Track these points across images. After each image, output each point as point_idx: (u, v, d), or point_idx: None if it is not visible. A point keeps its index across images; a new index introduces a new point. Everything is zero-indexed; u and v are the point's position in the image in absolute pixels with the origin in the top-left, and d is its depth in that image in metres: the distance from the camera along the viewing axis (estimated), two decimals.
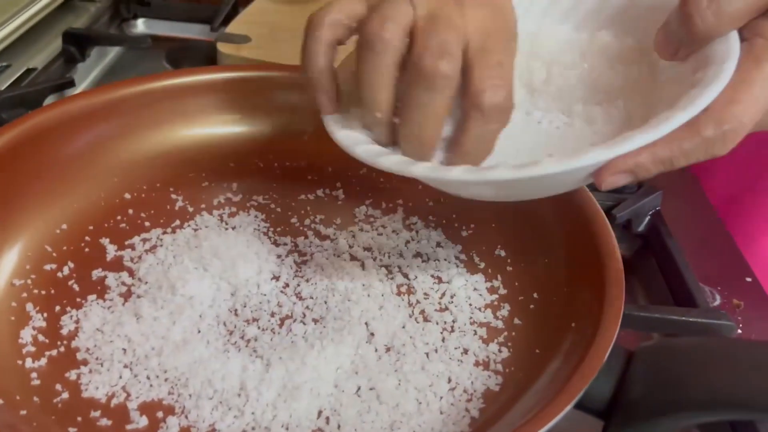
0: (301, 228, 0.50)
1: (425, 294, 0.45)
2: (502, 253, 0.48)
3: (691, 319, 0.46)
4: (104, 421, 0.36)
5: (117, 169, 0.51)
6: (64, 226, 0.47)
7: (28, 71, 0.68)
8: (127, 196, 0.50)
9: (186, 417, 0.37)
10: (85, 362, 0.39)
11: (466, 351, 0.41)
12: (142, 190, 0.51)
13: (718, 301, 0.52)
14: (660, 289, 0.54)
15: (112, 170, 0.51)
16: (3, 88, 0.63)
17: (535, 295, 0.45)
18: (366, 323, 0.42)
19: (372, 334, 0.42)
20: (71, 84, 0.64)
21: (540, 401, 0.35)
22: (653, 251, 0.57)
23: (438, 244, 0.49)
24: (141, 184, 0.51)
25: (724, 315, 0.47)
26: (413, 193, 0.52)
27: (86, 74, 0.72)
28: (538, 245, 0.46)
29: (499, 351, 0.42)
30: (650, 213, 0.58)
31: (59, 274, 0.44)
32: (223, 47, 0.66)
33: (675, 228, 0.57)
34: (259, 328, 0.42)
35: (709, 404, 0.33)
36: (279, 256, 0.47)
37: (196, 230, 0.49)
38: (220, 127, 0.54)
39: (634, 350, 0.37)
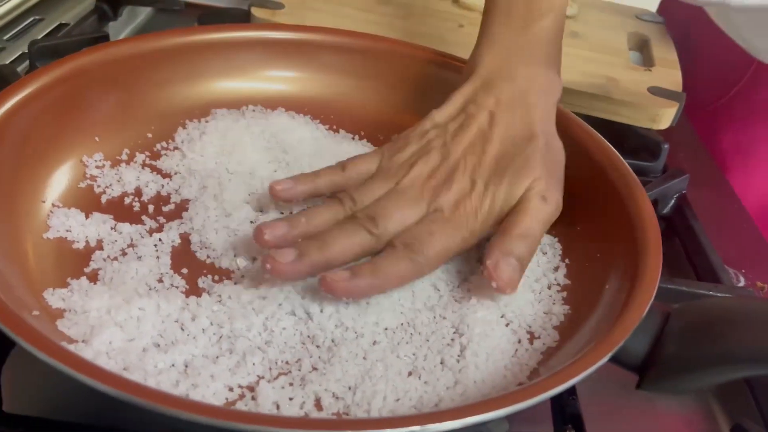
0: None
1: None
2: None
3: (718, 294, 0.47)
4: None
5: (152, 117, 0.51)
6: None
7: (61, 26, 0.68)
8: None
9: None
10: None
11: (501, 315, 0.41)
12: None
13: (742, 283, 0.52)
14: (685, 271, 0.54)
15: (148, 118, 0.51)
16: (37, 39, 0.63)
17: (567, 260, 0.45)
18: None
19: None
20: (106, 38, 0.64)
21: (576, 354, 0.35)
22: (678, 233, 0.57)
23: None
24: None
25: (750, 292, 0.47)
26: None
27: (117, 33, 0.72)
28: (574, 210, 0.46)
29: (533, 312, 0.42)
30: (676, 196, 0.59)
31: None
32: (257, 12, 0.67)
33: (699, 212, 0.58)
34: None
35: (743, 359, 0.34)
36: None
37: None
38: (261, 82, 0.55)
39: (670, 310, 0.37)
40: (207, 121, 0.52)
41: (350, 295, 0.38)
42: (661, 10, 0.88)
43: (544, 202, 0.42)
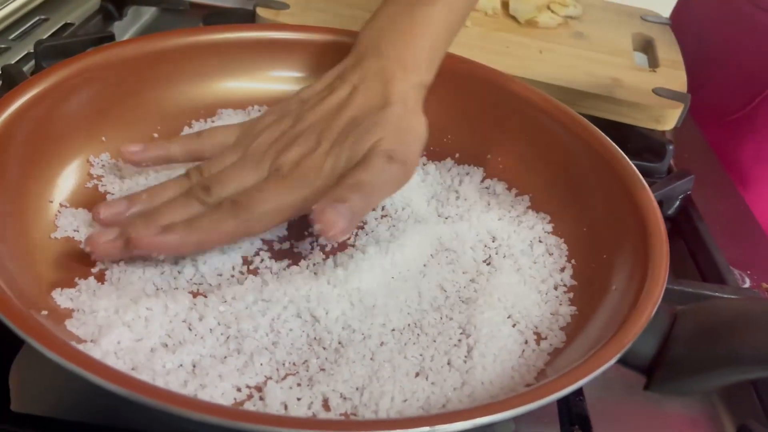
0: None
1: (472, 247, 0.45)
2: (548, 218, 0.48)
3: (724, 296, 0.47)
4: None
5: (158, 117, 0.51)
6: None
7: (66, 26, 0.69)
8: None
9: None
10: None
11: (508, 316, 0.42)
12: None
13: (747, 284, 0.52)
14: (690, 272, 0.54)
15: (154, 117, 0.51)
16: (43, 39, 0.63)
17: (573, 261, 0.45)
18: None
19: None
20: (111, 38, 0.64)
21: (583, 356, 0.35)
22: (683, 235, 0.57)
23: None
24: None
25: (756, 293, 0.47)
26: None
27: (122, 33, 0.72)
28: (579, 211, 0.46)
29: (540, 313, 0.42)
30: (681, 197, 0.59)
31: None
32: (262, 12, 0.67)
33: (704, 213, 0.58)
34: None
35: (750, 361, 0.34)
36: None
37: None
38: (267, 83, 0.55)
39: (678, 311, 0.37)
40: (213, 121, 0.52)
41: (159, 250, 0.37)
42: (677, 18, 0.88)
43: (390, 161, 0.41)
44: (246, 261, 0.42)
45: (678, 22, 0.84)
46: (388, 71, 0.45)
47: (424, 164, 0.52)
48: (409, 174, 0.43)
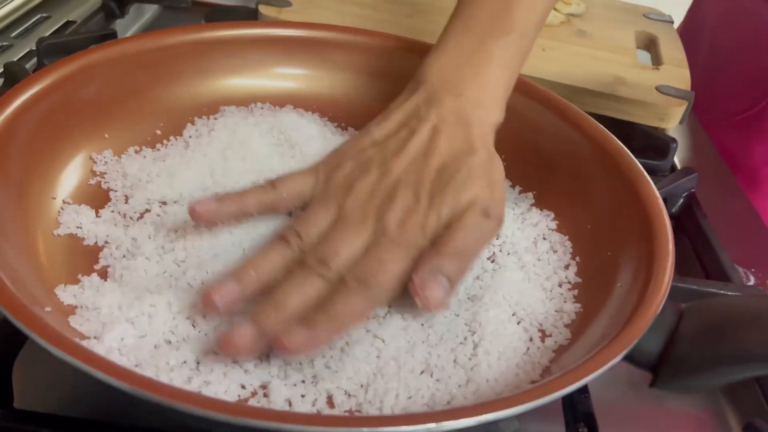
0: None
1: None
2: (552, 216, 0.48)
3: (729, 293, 0.47)
4: None
5: (160, 114, 0.51)
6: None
7: (68, 23, 0.69)
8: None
9: None
10: None
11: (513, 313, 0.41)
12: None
13: (752, 282, 0.52)
14: (694, 269, 0.54)
15: (157, 115, 0.51)
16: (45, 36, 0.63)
17: (578, 258, 0.45)
18: None
19: None
20: (114, 35, 0.64)
21: (588, 353, 0.35)
22: (686, 232, 0.57)
23: None
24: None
25: (761, 291, 0.47)
26: None
27: (124, 31, 0.72)
28: (584, 208, 0.46)
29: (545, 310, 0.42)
30: (684, 195, 0.58)
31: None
32: (264, 9, 0.67)
33: (708, 210, 0.57)
34: None
35: (757, 358, 0.34)
36: None
37: None
38: (269, 80, 0.55)
39: (683, 308, 0.37)
40: (216, 118, 0.52)
41: (313, 348, 0.35)
42: (690, 19, 0.88)
43: (486, 217, 0.40)
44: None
45: (691, 24, 0.84)
46: (467, 112, 0.43)
47: None
48: (501, 225, 0.42)
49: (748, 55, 0.79)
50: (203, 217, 0.40)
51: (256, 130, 0.51)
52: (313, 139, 0.52)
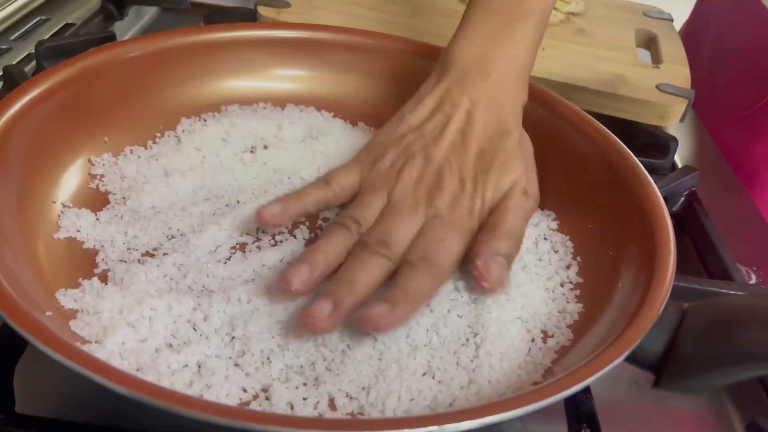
0: None
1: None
2: (552, 216, 0.48)
3: (731, 292, 0.47)
4: None
5: (162, 116, 0.51)
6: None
7: (67, 26, 0.68)
8: None
9: None
10: None
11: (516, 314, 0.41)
12: None
13: (754, 280, 0.52)
14: (695, 268, 0.54)
15: (157, 117, 0.50)
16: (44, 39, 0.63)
17: (579, 258, 0.45)
18: None
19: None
20: (113, 38, 0.64)
21: (591, 354, 0.35)
22: (688, 231, 0.57)
23: None
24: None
25: (764, 290, 0.47)
26: None
27: (123, 33, 0.72)
28: (585, 208, 0.46)
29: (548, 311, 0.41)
30: (685, 193, 0.58)
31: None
32: (263, 11, 0.66)
33: (710, 209, 0.57)
34: None
35: (760, 357, 0.33)
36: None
37: None
38: (270, 81, 0.55)
39: (686, 308, 0.37)
40: (214, 116, 0.52)
41: (396, 325, 0.37)
42: (693, 18, 0.88)
43: (526, 197, 0.43)
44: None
45: (695, 23, 0.84)
46: (497, 94, 0.45)
47: None
48: (538, 202, 0.45)
49: (750, 54, 0.79)
50: (272, 222, 0.42)
51: (252, 124, 0.51)
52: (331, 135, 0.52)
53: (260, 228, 0.44)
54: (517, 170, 0.43)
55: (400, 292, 0.37)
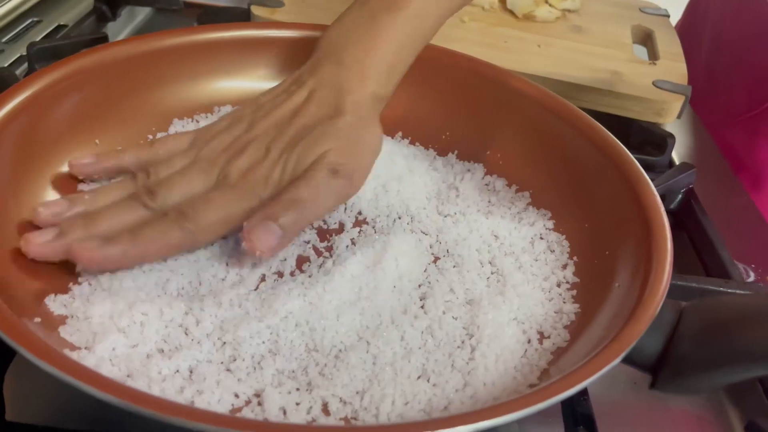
0: None
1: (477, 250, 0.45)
2: (549, 215, 0.47)
3: (729, 290, 0.46)
4: None
5: (154, 118, 0.50)
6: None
7: (59, 27, 0.68)
8: None
9: None
10: None
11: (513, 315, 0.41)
12: None
13: (752, 278, 0.51)
14: (693, 266, 0.54)
15: (148, 119, 0.50)
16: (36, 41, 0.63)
17: (575, 258, 0.44)
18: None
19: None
20: (105, 39, 0.63)
21: (587, 355, 0.34)
22: (686, 228, 0.57)
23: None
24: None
25: (762, 288, 0.47)
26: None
27: (116, 34, 0.72)
28: (581, 207, 0.46)
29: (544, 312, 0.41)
30: (683, 190, 0.58)
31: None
32: (257, 10, 0.66)
33: (707, 206, 0.57)
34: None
35: (759, 358, 0.33)
36: None
37: None
38: (262, 82, 0.54)
39: (683, 307, 0.37)
40: (207, 117, 0.52)
41: (100, 264, 0.37)
42: (688, 15, 0.87)
43: (334, 175, 0.40)
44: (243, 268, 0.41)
45: (691, 20, 0.83)
46: (343, 79, 0.44)
47: (433, 158, 0.52)
48: (356, 188, 0.42)
49: (752, 54, 0.78)
50: (81, 170, 0.43)
51: None
52: None
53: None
54: (328, 146, 0.41)
55: (127, 234, 0.37)
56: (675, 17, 0.86)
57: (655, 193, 0.43)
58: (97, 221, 0.38)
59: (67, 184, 0.44)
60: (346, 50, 0.45)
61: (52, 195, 0.43)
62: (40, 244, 0.36)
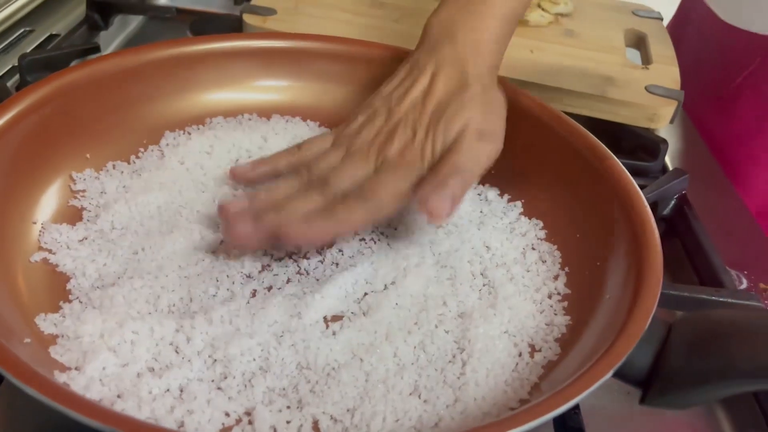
0: None
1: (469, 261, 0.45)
2: (540, 225, 0.48)
3: (720, 299, 0.46)
4: None
5: (144, 131, 0.50)
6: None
7: (51, 37, 0.68)
8: None
9: None
10: None
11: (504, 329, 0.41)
12: None
13: (744, 285, 0.51)
14: (686, 273, 0.53)
15: (139, 132, 0.50)
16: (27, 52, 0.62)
17: (567, 269, 0.44)
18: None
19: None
20: (97, 49, 0.63)
21: (578, 369, 0.34)
22: (678, 235, 0.56)
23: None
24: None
25: (754, 296, 0.47)
26: None
27: (108, 43, 0.72)
28: (572, 217, 0.46)
29: (535, 324, 0.41)
30: (676, 196, 0.58)
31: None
32: (248, 18, 0.66)
33: (700, 212, 0.57)
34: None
35: (747, 373, 0.33)
36: None
37: None
38: (254, 93, 0.54)
39: (673, 321, 0.36)
40: (198, 128, 0.52)
41: (309, 239, 0.41)
42: (679, 14, 0.87)
43: (481, 139, 0.44)
44: (233, 283, 0.41)
45: (681, 19, 0.83)
46: (462, 56, 0.47)
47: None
48: (499, 146, 0.45)
49: (729, 39, 0.78)
50: (242, 177, 0.47)
51: (237, 136, 0.51)
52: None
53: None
54: (468, 114, 0.44)
55: (321, 212, 0.41)
56: (668, 17, 0.86)
57: (646, 204, 0.42)
58: (287, 208, 0.41)
59: (58, 198, 0.44)
60: (459, 30, 0.47)
61: (43, 210, 0.43)
62: (245, 232, 0.40)
